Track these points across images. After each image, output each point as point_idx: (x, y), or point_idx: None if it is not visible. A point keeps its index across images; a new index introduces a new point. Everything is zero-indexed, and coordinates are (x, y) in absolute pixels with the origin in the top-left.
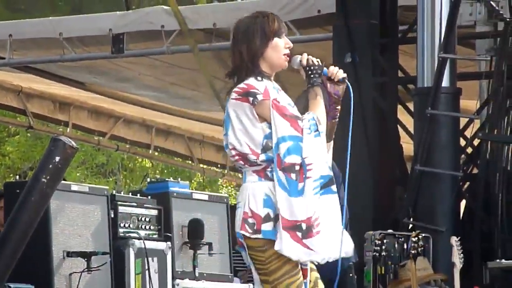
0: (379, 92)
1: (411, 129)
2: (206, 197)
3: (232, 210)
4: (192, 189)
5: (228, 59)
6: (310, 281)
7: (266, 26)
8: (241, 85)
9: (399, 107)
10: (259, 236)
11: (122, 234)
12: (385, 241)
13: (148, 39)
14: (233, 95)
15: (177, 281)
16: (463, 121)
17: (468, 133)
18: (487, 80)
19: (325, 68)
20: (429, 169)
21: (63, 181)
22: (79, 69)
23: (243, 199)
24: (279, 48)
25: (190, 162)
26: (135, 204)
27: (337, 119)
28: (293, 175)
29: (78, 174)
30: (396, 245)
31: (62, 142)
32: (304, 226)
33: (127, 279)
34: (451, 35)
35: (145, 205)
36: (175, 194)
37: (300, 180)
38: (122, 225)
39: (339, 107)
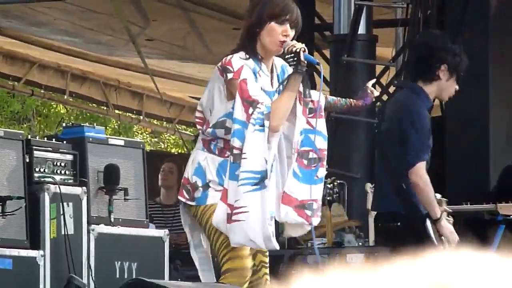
0: (295, 39)
1: (327, 76)
2: (122, 143)
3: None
4: (107, 136)
5: (144, 3)
6: (254, 264)
7: (266, 8)
8: (226, 58)
9: (316, 54)
10: (193, 203)
11: (37, 179)
12: None
13: None
14: (219, 64)
15: (93, 226)
16: (379, 68)
17: (384, 80)
18: (403, 27)
19: (303, 54)
20: (345, 116)
21: None
22: None
23: (187, 165)
24: (274, 33)
25: (105, 108)
26: (50, 148)
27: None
28: (231, 158)
29: None
30: None
31: None
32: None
33: (42, 224)
34: None
35: (60, 150)
36: (90, 139)
37: (239, 164)
38: (37, 169)
39: None
